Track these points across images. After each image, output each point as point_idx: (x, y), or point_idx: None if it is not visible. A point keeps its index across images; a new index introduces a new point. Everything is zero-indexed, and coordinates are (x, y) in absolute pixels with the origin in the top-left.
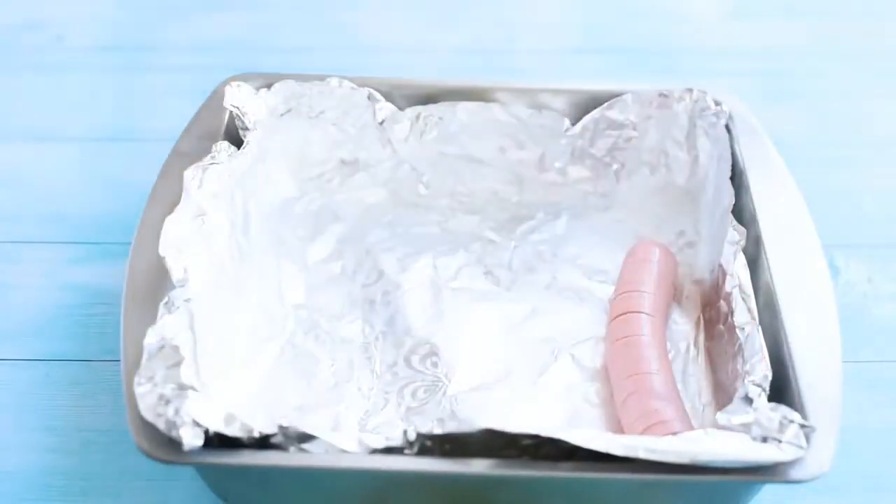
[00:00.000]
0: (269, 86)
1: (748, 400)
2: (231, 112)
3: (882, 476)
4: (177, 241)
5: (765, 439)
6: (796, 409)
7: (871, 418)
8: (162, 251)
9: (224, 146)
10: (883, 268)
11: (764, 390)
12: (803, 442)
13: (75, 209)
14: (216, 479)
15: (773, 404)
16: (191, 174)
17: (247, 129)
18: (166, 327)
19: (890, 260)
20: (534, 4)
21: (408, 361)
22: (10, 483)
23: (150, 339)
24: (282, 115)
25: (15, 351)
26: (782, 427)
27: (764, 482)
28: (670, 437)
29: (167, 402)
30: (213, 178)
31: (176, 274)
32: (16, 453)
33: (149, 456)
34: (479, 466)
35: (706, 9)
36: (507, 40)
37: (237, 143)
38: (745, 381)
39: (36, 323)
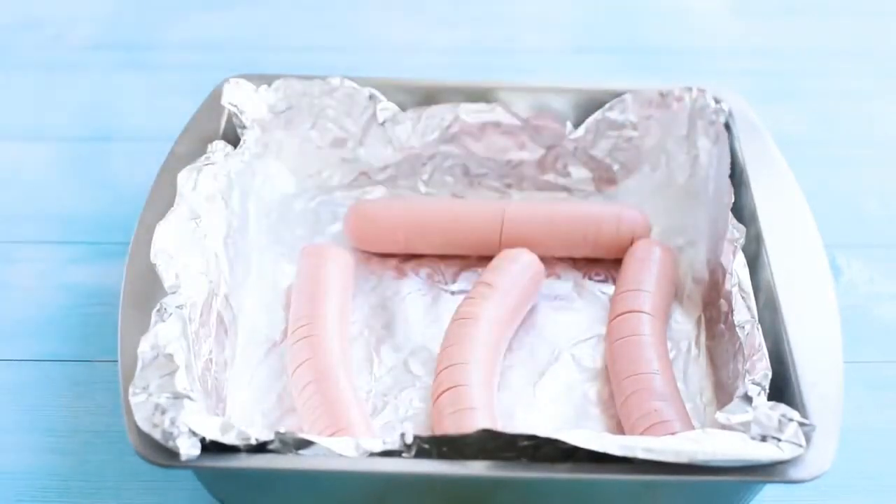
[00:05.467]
0: (269, 84)
1: (747, 399)
2: (229, 111)
3: (883, 476)
4: (168, 246)
5: (764, 438)
6: (797, 408)
7: (872, 418)
8: (153, 258)
9: (220, 146)
10: (884, 268)
11: (763, 389)
12: (802, 440)
13: (73, 209)
14: (215, 482)
15: (772, 403)
16: (185, 176)
17: (244, 127)
18: (159, 335)
19: (891, 260)
20: (534, 3)
21: (406, 366)
22: (8, 484)
23: (143, 347)
24: (282, 112)
25: (12, 351)
26: (781, 426)
27: (764, 482)
28: (669, 436)
29: (163, 411)
30: (208, 180)
31: (167, 280)
32: (14, 454)
33: (148, 461)
34: (476, 468)
35: (707, 8)
36: (507, 39)
37: (235, 143)
38: (745, 380)
39: (34, 323)
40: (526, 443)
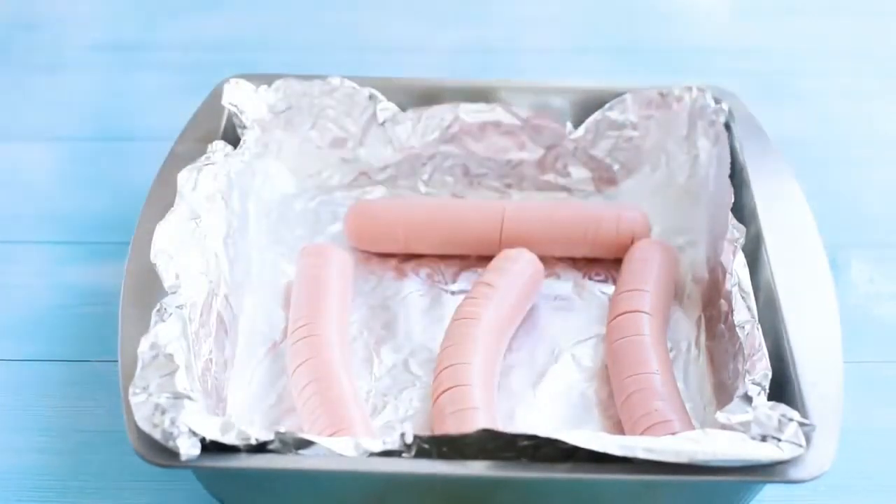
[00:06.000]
0: (269, 84)
1: (747, 399)
2: (229, 111)
3: (883, 476)
4: (168, 246)
5: (764, 438)
6: (797, 408)
7: (872, 418)
8: (153, 258)
9: (220, 146)
10: (884, 268)
11: (763, 389)
12: (802, 440)
13: (72, 209)
14: (215, 482)
15: (772, 403)
16: (185, 176)
17: (245, 127)
18: (159, 335)
19: (891, 260)
20: (534, 3)
21: (406, 365)
22: (8, 484)
23: (143, 347)
24: (282, 112)
25: (11, 351)
26: (781, 425)
27: (764, 482)
28: (669, 436)
29: (163, 411)
30: (208, 180)
31: (167, 280)
32: (12, 454)
33: (148, 461)
34: (476, 468)
35: (707, 8)
36: (507, 39)
37: (235, 143)
38: (745, 379)
39: (32, 323)
40: (526, 443)
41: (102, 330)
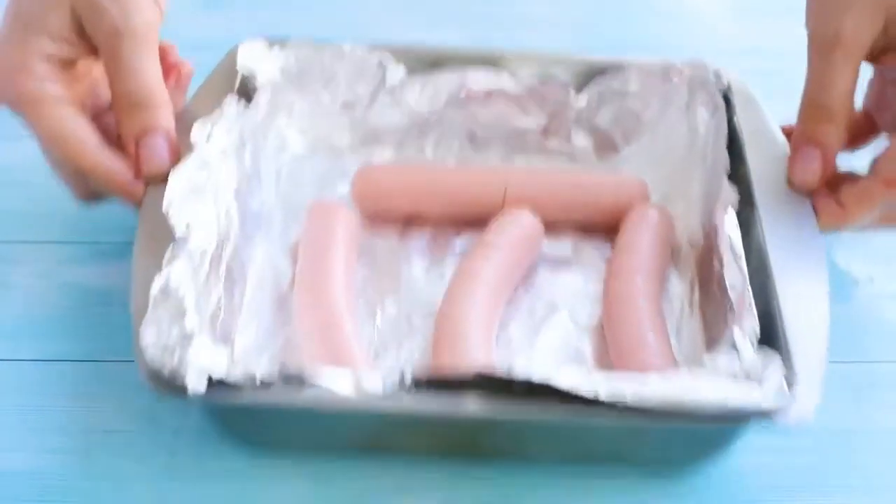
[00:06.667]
0: (282, 46)
1: (733, 345)
2: (242, 75)
3: (883, 476)
4: (180, 196)
5: (748, 382)
6: (784, 361)
7: (872, 418)
8: (165, 207)
9: (233, 101)
10: (884, 268)
11: (751, 340)
12: (786, 386)
13: (73, 209)
14: (220, 417)
15: (757, 349)
16: (199, 127)
17: (257, 89)
18: (171, 277)
19: (891, 260)
20: (534, 3)
21: (408, 319)
22: (12, 484)
23: (155, 288)
24: (293, 74)
25: (14, 351)
26: (765, 370)
27: (746, 425)
28: (656, 377)
29: (172, 350)
30: (221, 133)
31: (179, 229)
32: (17, 454)
33: (158, 393)
34: (471, 409)
35: (707, 8)
36: (507, 40)
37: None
38: (734, 331)
39: (34, 323)
40: (521, 387)
41: (103, 330)
